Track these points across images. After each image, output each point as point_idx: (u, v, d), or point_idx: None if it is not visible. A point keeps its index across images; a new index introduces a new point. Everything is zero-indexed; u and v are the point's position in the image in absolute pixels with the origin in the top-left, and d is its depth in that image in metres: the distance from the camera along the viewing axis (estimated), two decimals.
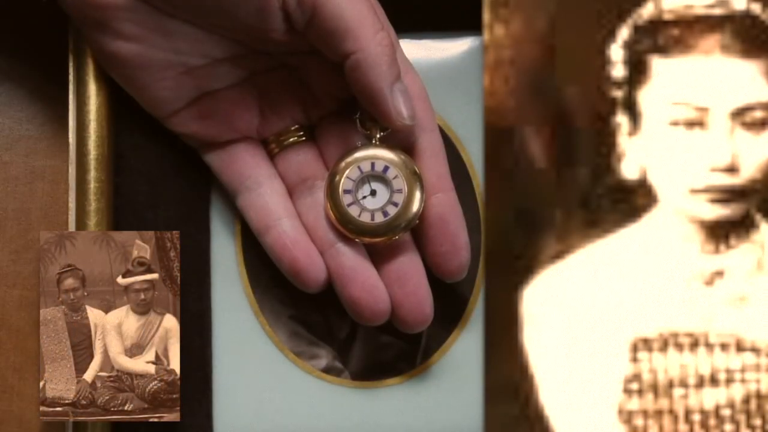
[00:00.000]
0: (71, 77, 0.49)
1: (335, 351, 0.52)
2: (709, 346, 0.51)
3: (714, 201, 0.51)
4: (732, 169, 0.51)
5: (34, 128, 0.54)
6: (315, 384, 0.51)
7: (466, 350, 0.51)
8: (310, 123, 0.50)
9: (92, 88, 0.49)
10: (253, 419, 0.51)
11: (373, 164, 0.48)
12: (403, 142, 0.49)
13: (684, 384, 0.51)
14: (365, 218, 0.47)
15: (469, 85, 0.52)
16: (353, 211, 0.48)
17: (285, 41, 0.46)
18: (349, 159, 0.48)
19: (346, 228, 0.48)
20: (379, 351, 0.51)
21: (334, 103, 0.49)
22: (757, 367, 0.51)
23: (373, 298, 0.48)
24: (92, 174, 0.49)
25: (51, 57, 0.53)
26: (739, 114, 0.51)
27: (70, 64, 0.49)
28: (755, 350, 0.51)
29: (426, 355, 0.51)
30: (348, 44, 0.45)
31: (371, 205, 0.48)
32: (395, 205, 0.47)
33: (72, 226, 0.49)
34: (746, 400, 0.51)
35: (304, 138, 0.50)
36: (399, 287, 0.48)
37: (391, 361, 0.51)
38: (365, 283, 0.48)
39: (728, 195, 0.51)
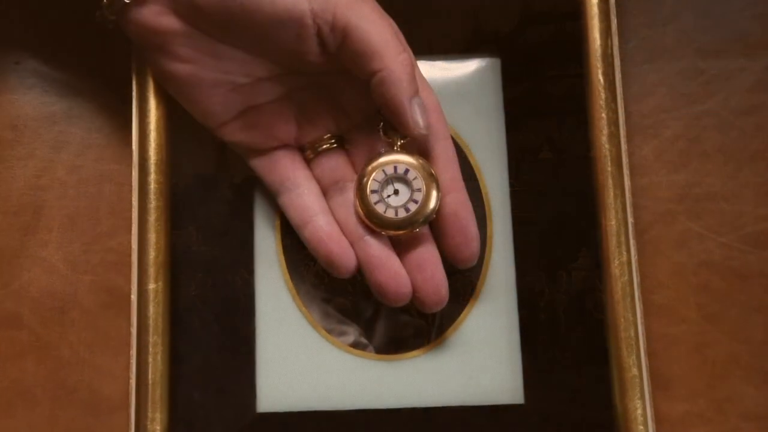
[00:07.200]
0: (134, 93, 0.56)
1: (361, 329, 0.57)
2: None
3: None
4: None
5: (102, 137, 0.60)
6: (343, 357, 0.57)
7: (475, 327, 0.57)
8: (340, 132, 0.56)
9: (152, 103, 0.55)
10: (289, 387, 0.56)
11: (395, 167, 0.53)
12: (420, 149, 0.54)
13: None
14: (389, 214, 0.53)
15: (477, 100, 0.58)
16: (379, 208, 0.53)
17: (319, 62, 0.52)
18: (374, 163, 0.54)
19: (373, 222, 0.53)
20: (399, 328, 0.57)
21: (361, 116, 0.55)
22: None
23: (397, 283, 0.53)
24: (152, 176, 0.55)
25: (116, 76, 0.59)
26: None
27: (133, 82, 0.56)
28: None
29: (440, 331, 0.57)
30: (374, 64, 0.50)
31: (394, 203, 0.53)
32: (415, 202, 0.53)
33: (135, 221, 0.55)
34: None
35: (335, 145, 0.55)
36: (419, 273, 0.53)
37: (409, 337, 0.57)
38: (390, 270, 0.53)
39: None
